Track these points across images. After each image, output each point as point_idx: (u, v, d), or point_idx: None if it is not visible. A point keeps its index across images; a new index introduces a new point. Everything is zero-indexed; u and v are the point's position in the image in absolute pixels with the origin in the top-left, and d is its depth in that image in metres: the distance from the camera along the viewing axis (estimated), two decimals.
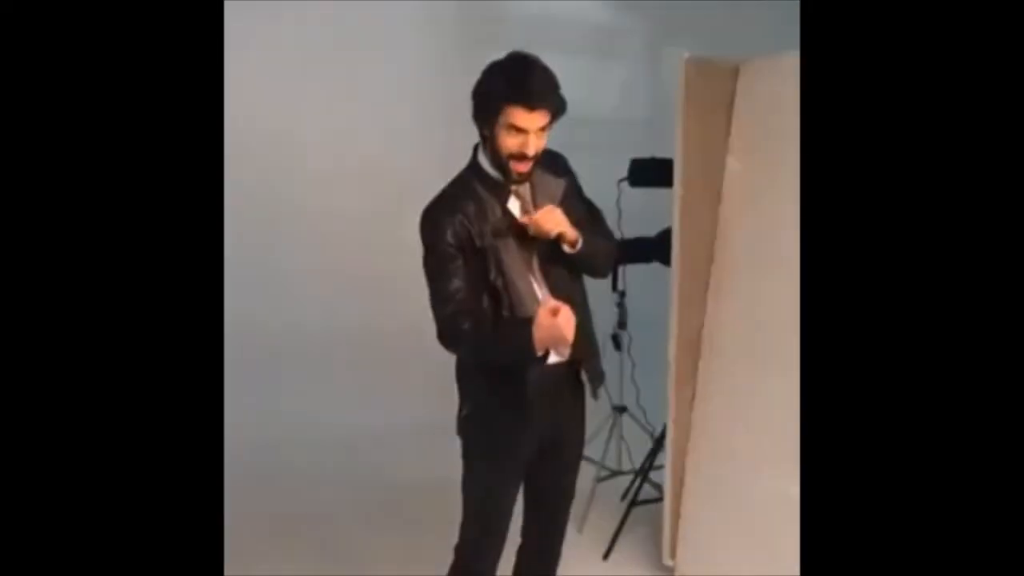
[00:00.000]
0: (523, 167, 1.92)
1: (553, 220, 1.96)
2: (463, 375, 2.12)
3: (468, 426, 2.11)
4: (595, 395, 2.21)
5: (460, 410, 2.13)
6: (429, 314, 2.00)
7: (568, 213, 2.00)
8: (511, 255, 1.98)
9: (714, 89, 2.93)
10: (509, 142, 1.89)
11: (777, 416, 2.62)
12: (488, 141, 1.95)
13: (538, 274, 2.02)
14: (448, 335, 1.96)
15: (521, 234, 1.98)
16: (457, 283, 1.95)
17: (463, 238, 1.95)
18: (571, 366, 2.10)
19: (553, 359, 1.97)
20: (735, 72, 2.96)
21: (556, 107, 1.90)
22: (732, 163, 2.95)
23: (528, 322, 1.86)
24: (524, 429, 2.05)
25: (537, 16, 4.96)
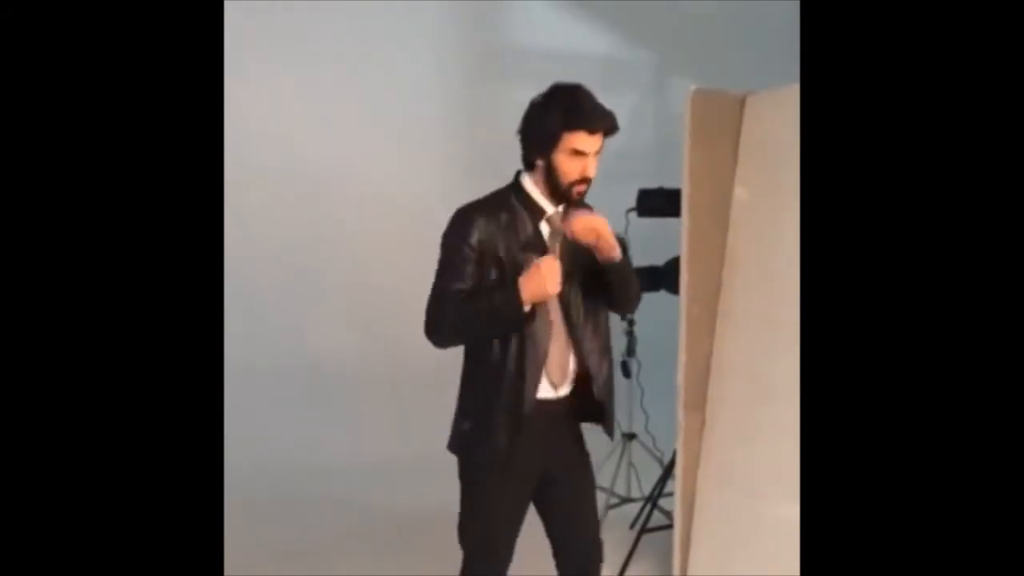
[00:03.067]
0: (583, 188, 2.00)
1: (594, 223, 1.97)
2: (465, 387, 2.10)
3: (468, 441, 2.07)
4: (611, 434, 2.21)
5: (459, 424, 2.10)
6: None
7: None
8: None
9: (721, 121, 2.98)
10: (571, 167, 1.97)
11: (787, 443, 2.63)
12: (542, 170, 2.01)
13: (554, 307, 2.03)
14: (433, 320, 1.99)
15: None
16: (462, 284, 1.98)
17: (487, 245, 1.99)
18: (572, 403, 2.10)
19: (556, 393, 2.01)
20: (741, 104, 3.01)
21: (611, 127, 1.97)
22: (739, 193, 2.99)
23: (512, 282, 1.92)
24: (524, 447, 2.02)
25: (544, 48, 5.04)
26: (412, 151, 4.77)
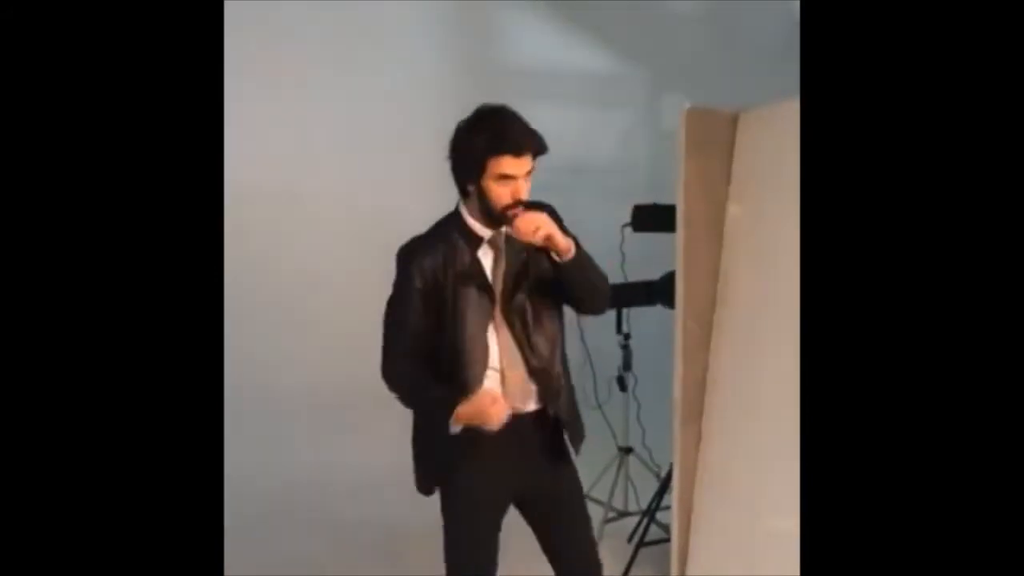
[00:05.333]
0: (518, 211, 1.93)
1: (536, 220, 1.89)
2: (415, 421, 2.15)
3: (420, 468, 2.13)
4: (577, 452, 2.17)
5: (415, 463, 2.14)
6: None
7: (538, 261, 2.02)
8: (472, 307, 1.99)
9: (714, 138, 3.01)
10: (501, 192, 1.92)
11: (784, 455, 2.65)
12: (474, 196, 1.98)
13: (502, 330, 2.01)
14: (388, 373, 2.04)
15: (484, 286, 2.00)
16: (412, 325, 2.00)
17: (429, 282, 1.98)
18: (544, 417, 2.07)
19: (519, 410, 2.00)
20: (734, 120, 3.05)
21: (538, 149, 1.94)
22: (733, 208, 3.02)
23: (460, 391, 1.95)
24: (486, 473, 2.03)
25: (538, 66, 5.07)
26: (405, 172, 4.76)
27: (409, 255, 2.02)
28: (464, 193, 2.01)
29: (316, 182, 4.67)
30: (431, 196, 4.65)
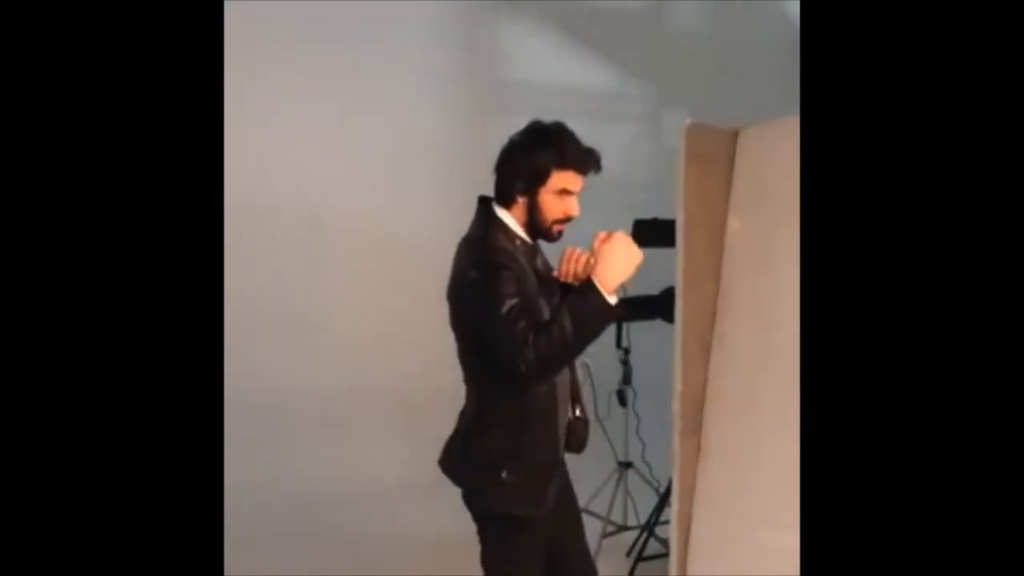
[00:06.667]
0: (562, 228, 2.02)
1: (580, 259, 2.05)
2: (494, 431, 2.00)
3: (511, 493, 1.96)
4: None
5: (491, 474, 1.96)
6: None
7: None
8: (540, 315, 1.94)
9: (715, 153, 3.03)
10: (556, 207, 1.98)
11: (783, 470, 2.65)
12: (526, 208, 1.99)
13: None
14: (530, 368, 1.82)
15: (551, 297, 2.02)
16: (523, 324, 1.83)
17: (520, 290, 1.88)
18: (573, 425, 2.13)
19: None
20: (735, 136, 3.06)
21: (598, 168, 2.01)
22: (733, 223, 3.03)
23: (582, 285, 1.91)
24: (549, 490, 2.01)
25: (541, 81, 5.11)
26: (407, 184, 4.80)
27: (502, 262, 1.90)
28: (508, 203, 2.01)
29: (321, 194, 4.69)
30: (434, 206, 4.71)
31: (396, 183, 4.80)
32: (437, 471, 2.12)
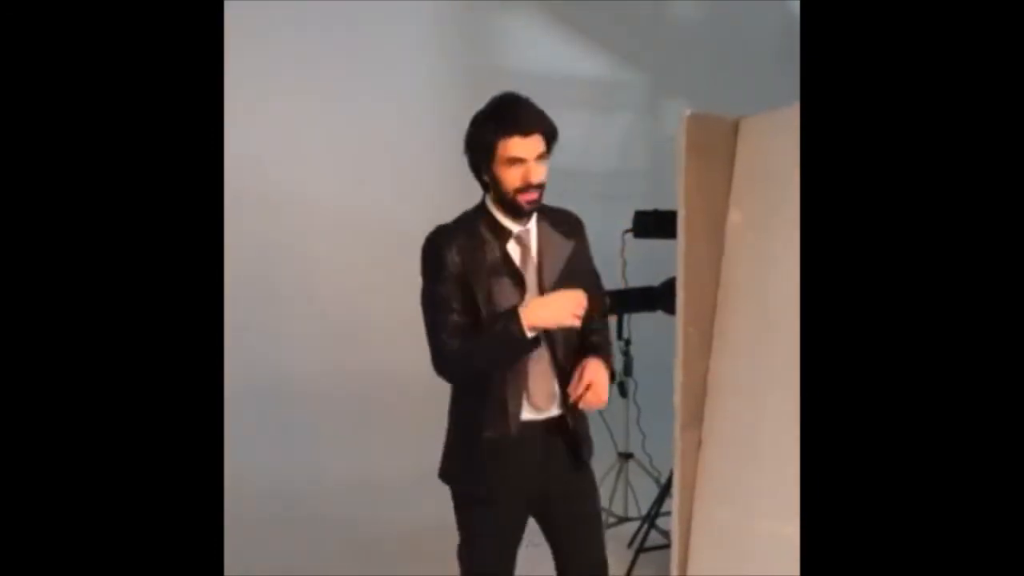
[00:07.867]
0: (531, 196, 1.94)
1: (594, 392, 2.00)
2: (451, 418, 2.11)
3: (455, 472, 2.10)
4: (588, 457, 2.16)
5: (445, 456, 2.12)
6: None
7: (570, 276, 2.03)
8: (506, 299, 1.96)
9: (715, 144, 3.02)
10: (511, 176, 1.92)
11: (784, 461, 2.65)
12: (491, 186, 1.98)
13: None
14: (439, 359, 1.97)
15: (517, 280, 1.99)
16: (454, 316, 1.94)
17: (461, 270, 1.95)
18: (559, 426, 2.08)
19: (541, 415, 2.02)
20: (735, 127, 3.05)
21: (548, 130, 1.94)
22: (734, 214, 3.03)
23: (512, 310, 1.91)
24: (513, 471, 2.02)
25: (538, 70, 5.09)
26: (404, 174, 4.80)
27: (440, 241, 1.98)
28: (484, 186, 2.02)
29: (319, 183, 4.68)
30: (430, 196, 4.70)
31: (390, 172, 4.78)
32: (435, 459, 2.13)
